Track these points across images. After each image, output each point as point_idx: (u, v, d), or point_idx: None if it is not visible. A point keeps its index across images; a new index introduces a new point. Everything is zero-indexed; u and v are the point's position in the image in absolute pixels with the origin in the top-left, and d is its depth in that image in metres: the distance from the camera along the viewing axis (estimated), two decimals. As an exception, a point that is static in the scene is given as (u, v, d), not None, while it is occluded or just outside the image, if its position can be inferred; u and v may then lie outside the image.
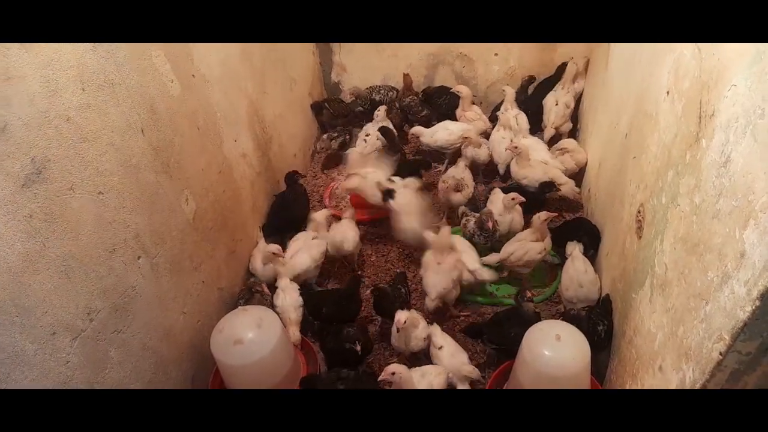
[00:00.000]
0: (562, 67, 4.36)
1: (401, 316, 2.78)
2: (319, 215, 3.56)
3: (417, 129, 4.33)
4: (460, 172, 3.84)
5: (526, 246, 3.30)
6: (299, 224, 3.64)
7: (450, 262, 3.15)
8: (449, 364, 2.83)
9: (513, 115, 4.33)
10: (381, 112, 4.42)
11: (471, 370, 2.80)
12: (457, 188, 3.71)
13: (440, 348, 2.90)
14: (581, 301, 3.10)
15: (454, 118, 4.45)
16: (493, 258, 3.39)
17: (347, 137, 4.55)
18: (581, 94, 4.37)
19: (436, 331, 2.98)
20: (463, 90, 4.37)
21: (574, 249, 3.27)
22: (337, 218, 3.69)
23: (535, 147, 4.04)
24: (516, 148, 3.80)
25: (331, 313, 3.08)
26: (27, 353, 1.74)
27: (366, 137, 4.37)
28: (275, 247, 3.21)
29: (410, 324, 2.84)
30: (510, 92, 4.41)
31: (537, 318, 2.85)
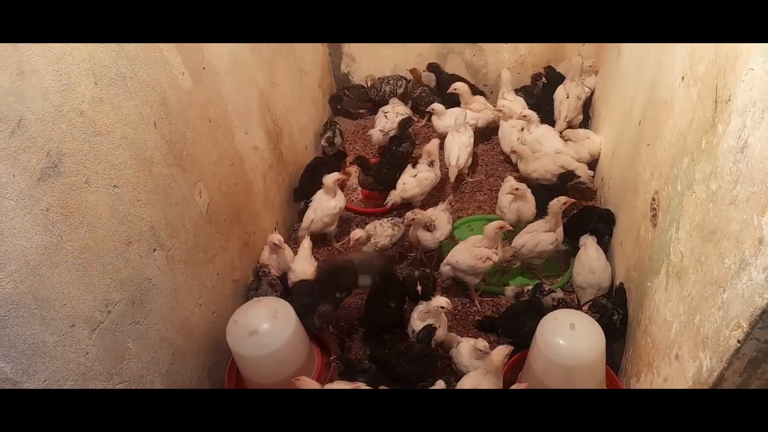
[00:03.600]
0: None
1: (442, 301, 2.86)
2: (329, 179, 3.68)
3: (435, 105, 4.29)
4: (437, 212, 3.52)
5: (538, 237, 3.29)
6: None
7: (484, 253, 3.16)
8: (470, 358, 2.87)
9: (510, 100, 4.34)
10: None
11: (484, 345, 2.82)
12: (428, 227, 3.40)
13: (457, 344, 2.95)
14: (592, 287, 3.10)
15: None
16: (507, 253, 3.39)
17: (338, 128, 4.49)
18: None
19: (452, 335, 3.05)
20: (459, 87, 4.34)
21: (587, 238, 3.28)
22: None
23: (547, 135, 4.01)
24: (514, 153, 3.79)
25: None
26: (47, 345, 1.76)
27: (386, 114, 4.43)
28: (278, 238, 3.32)
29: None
30: (506, 75, 4.41)
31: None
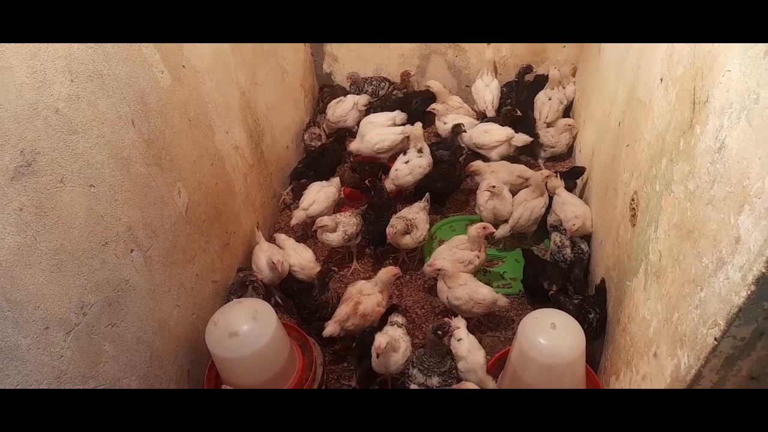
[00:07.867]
0: None
1: (381, 340, 2.66)
2: (333, 181, 3.90)
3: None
4: (414, 212, 3.51)
5: (530, 205, 3.49)
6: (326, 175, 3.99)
7: (466, 257, 3.23)
8: (469, 360, 2.76)
9: (486, 84, 4.45)
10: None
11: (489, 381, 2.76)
12: (406, 231, 3.38)
13: (459, 340, 2.81)
14: (578, 218, 3.29)
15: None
16: (504, 229, 3.54)
17: (321, 125, 4.64)
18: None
19: (461, 324, 2.88)
20: (434, 85, 4.40)
21: (560, 184, 3.55)
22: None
23: (491, 128, 4.09)
24: (473, 172, 3.88)
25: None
26: (20, 348, 1.72)
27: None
28: (278, 256, 3.25)
29: (390, 348, 2.73)
30: (489, 55, 4.46)
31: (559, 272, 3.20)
